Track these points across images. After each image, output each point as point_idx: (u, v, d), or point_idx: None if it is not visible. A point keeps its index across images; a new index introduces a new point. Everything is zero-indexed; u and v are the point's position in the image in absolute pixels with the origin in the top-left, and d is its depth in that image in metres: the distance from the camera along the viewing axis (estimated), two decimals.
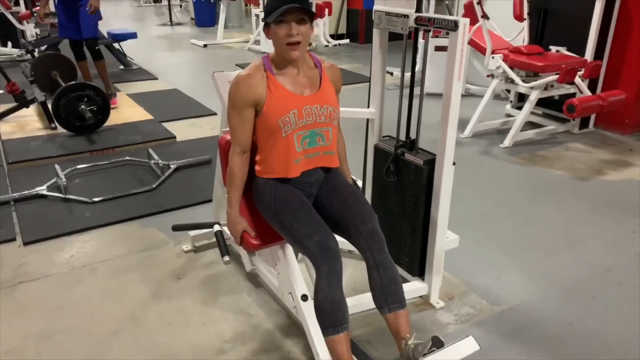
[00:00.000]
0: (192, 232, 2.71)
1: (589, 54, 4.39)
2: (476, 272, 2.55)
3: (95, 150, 3.99)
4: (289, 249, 1.95)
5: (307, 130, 1.79)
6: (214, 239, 2.70)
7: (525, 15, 4.73)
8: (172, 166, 3.64)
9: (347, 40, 8.70)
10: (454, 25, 1.89)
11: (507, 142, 4.25)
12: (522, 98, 5.13)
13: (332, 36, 8.66)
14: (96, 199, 3.22)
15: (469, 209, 3.17)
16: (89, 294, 2.39)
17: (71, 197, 3.22)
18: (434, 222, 2.20)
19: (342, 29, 9.17)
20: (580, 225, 3.05)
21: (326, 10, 8.06)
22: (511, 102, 5.12)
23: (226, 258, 1.95)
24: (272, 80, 1.76)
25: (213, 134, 4.43)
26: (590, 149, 4.26)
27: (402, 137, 2.33)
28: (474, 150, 4.22)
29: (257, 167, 1.88)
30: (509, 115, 5.01)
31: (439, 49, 5.35)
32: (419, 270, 2.33)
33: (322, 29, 8.23)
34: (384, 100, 2.41)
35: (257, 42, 8.37)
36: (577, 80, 4.06)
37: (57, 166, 3.45)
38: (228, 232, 1.93)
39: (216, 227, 2.05)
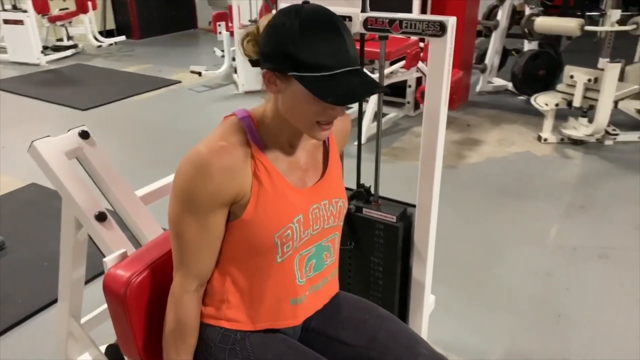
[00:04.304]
0: None
1: None
2: (439, 325, 2.07)
3: None
4: None
5: (312, 246, 1.04)
6: None
7: None
8: None
9: (122, 37, 7.37)
10: (440, 29, 1.31)
11: (364, 139, 3.91)
12: None
13: (100, 33, 7.24)
14: None
15: None
16: None
17: None
18: (418, 290, 1.64)
19: (111, 24, 7.78)
20: (486, 223, 2.86)
21: (90, 4, 6.65)
22: None
23: None
24: (263, 163, 0.96)
25: None
26: None
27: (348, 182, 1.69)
28: None
29: (206, 309, 1.05)
30: None
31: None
32: None
33: (88, 26, 6.80)
34: None
35: (2, 49, 6.47)
36: (420, 64, 3.90)
37: None
38: None
39: None
